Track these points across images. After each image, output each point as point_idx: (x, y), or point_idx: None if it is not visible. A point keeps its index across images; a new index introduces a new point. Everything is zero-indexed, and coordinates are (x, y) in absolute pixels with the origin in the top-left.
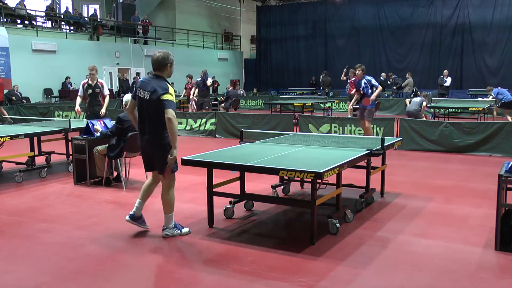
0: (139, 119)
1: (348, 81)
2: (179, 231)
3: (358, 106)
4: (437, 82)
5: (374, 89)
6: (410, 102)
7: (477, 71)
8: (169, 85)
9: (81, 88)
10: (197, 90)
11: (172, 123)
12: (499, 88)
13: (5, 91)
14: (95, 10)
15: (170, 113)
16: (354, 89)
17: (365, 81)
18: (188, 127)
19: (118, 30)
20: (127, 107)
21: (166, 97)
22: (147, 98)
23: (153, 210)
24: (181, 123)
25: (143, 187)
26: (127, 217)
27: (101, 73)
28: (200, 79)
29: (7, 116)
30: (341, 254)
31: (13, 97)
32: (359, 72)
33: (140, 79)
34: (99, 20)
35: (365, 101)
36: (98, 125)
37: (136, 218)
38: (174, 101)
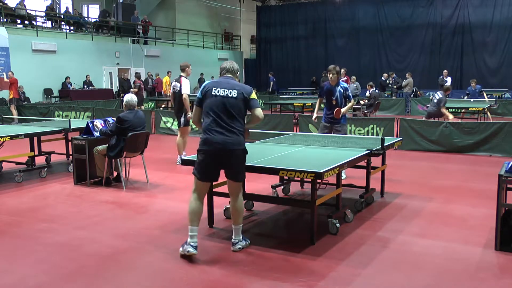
0: (213, 119)
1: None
2: (247, 242)
3: (325, 122)
4: (437, 82)
5: (347, 100)
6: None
7: (477, 71)
8: None
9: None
10: None
11: (260, 121)
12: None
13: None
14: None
15: (260, 111)
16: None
17: (340, 89)
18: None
19: (118, 30)
20: (188, 104)
21: (254, 96)
22: (235, 95)
23: (153, 210)
24: None
25: (193, 210)
26: (195, 251)
27: (101, 73)
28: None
29: (15, 116)
30: (341, 254)
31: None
32: (332, 76)
33: (209, 82)
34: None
35: (337, 112)
36: (98, 123)
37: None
38: None
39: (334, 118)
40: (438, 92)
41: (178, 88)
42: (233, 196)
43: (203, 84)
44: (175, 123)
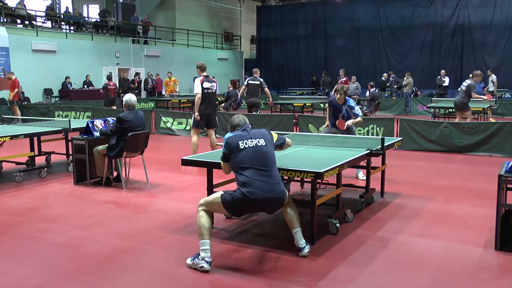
0: (255, 174)
1: (339, 82)
2: (310, 245)
3: (332, 126)
4: (436, 82)
5: (353, 117)
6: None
7: None
8: None
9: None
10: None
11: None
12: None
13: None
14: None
15: (288, 140)
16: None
17: (348, 108)
18: (188, 127)
19: (118, 30)
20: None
21: (276, 136)
22: (265, 144)
23: (153, 210)
24: (181, 123)
25: (203, 225)
26: (208, 267)
27: (101, 73)
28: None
29: (18, 116)
30: (341, 254)
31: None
32: (339, 96)
33: (232, 135)
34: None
35: (340, 123)
36: (98, 123)
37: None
38: None
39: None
40: (467, 80)
41: (215, 89)
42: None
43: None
44: (175, 123)
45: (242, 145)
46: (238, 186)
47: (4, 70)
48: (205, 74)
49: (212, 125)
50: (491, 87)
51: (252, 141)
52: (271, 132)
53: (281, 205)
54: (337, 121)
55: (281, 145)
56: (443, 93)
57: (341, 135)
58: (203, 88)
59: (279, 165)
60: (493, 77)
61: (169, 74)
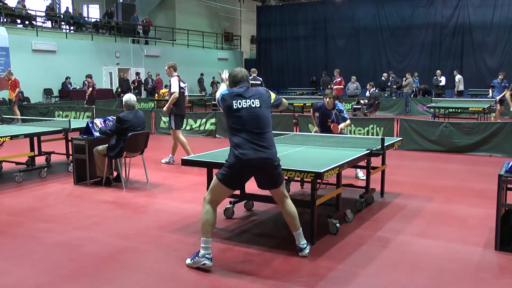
0: (248, 136)
1: (333, 81)
2: (310, 245)
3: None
4: (432, 83)
5: (342, 120)
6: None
7: (477, 71)
8: None
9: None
10: None
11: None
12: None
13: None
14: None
15: (284, 100)
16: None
17: (336, 112)
18: (188, 127)
19: (118, 30)
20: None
21: (273, 95)
22: (259, 105)
23: (153, 210)
24: None
25: (208, 221)
26: (211, 263)
27: (101, 73)
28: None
29: (18, 116)
30: (341, 254)
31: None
32: (329, 100)
33: (228, 92)
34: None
35: (334, 127)
36: (98, 121)
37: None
38: None
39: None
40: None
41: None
42: (280, 202)
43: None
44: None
45: (235, 105)
46: (231, 148)
47: (9, 71)
48: (176, 74)
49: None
50: (461, 87)
51: (246, 102)
52: (269, 91)
53: (273, 168)
54: (332, 125)
55: (277, 105)
56: (441, 93)
57: (340, 135)
58: (179, 88)
59: None
60: (459, 76)
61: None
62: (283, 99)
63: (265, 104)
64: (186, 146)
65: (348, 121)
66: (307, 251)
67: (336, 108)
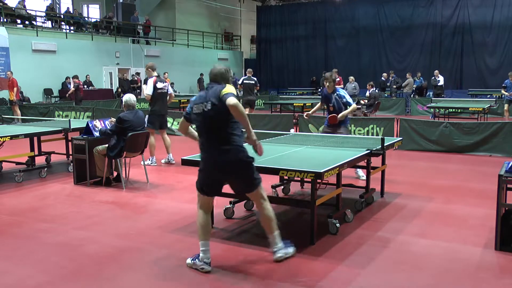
0: (205, 139)
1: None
2: (290, 250)
3: (326, 125)
4: (431, 83)
5: (348, 107)
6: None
7: (477, 71)
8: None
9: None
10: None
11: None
12: None
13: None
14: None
15: (233, 101)
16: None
17: (336, 97)
18: None
19: (118, 30)
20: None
21: (225, 91)
22: (210, 107)
23: (153, 210)
24: None
25: (201, 225)
26: (209, 268)
27: (101, 73)
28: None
29: (18, 116)
30: (341, 254)
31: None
32: (329, 84)
33: (197, 95)
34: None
35: (331, 118)
36: (98, 123)
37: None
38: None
39: (329, 124)
40: None
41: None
42: (257, 204)
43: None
44: (175, 123)
45: (194, 109)
46: None
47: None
48: (156, 74)
49: (165, 126)
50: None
51: (199, 107)
52: (227, 89)
53: (237, 168)
54: (328, 117)
55: (224, 102)
56: (440, 92)
57: (340, 135)
58: (157, 89)
59: (279, 165)
60: (441, 77)
61: (166, 74)
62: (234, 101)
63: (214, 107)
64: (151, 149)
65: (352, 107)
66: (278, 255)
67: (336, 93)
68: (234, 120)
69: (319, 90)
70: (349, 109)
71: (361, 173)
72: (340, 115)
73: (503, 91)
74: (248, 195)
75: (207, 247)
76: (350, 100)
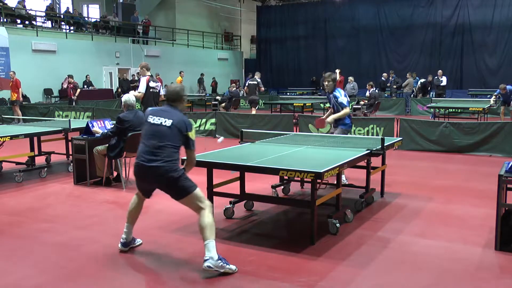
0: (146, 147)
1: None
2: (225, 265)
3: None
4: (433, 82)
5: (341, 108)
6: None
7: (477, 71)
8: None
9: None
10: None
11: (192, 167)
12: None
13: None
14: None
15: (193, 156)
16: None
17: (332, 97)
18: None
19: (118, 30)
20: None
21: (192, 135)
22: (169, 125)
23: (153, 210)
24: None
25: (129, 209)
26: (120, 246)
27: (101, 73)
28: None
29: (19, 117)
30: (341, 254)
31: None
32: (328, 83)
33: (149, 109)
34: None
35: (317, 123)
36: (97, 127)
37: (128, 243)
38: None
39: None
40: None
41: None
42: (195, 211)
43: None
44: None
45: (150, 119)
46: None
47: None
48: (149, 74)
49: None
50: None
51: (159, 119)
52: (192, 130)
53: (165, 182)
54: (315, 121)
55: (186, 146)
56: (442, 93)
57: (339, 135)
58: (149, 87)
59: (279, 165)
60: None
61: (182, 73)
62: (193, 155)
63: (175, 131)
64: None
65: (344, 111)
66: (205, 264)
67: (334, 92)
68: (178, 149)
69: (320, 90)
70: (339, 113)
71: (344, 177)
72: (329, 118)
73: (492, 99)
74: (179, 202)
75: (130, 229)
76: (343, 101)
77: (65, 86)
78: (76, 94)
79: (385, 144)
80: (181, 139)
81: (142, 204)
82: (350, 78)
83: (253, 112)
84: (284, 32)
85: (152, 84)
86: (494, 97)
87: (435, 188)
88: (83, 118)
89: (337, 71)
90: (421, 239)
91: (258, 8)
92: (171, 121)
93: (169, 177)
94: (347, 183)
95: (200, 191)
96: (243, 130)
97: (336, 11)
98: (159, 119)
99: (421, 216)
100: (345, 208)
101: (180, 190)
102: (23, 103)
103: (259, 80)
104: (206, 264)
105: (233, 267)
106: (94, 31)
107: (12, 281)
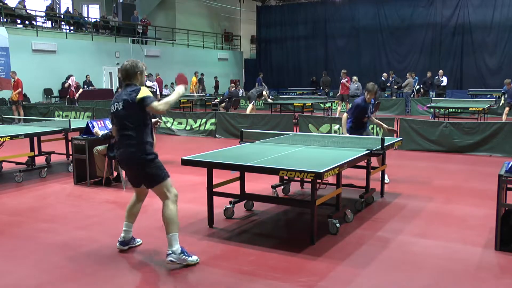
0: (120, 134)
1: (341, 82)
2: (186, 258)
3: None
4: (434, 82)
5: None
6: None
7: (477, 72)
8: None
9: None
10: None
11: (164, 110)
12: None
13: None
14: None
15: (156, 104)
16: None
17: (371, 105)
18: (188, 127)
19: (117, 30)
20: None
21: (143, 94)
22: (121, 107)
23: (153, 210)
24: (181, 123)
25: (128, 207)
26: (118, 245)
27: (101, 73)
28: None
29: (20, 117)
30: (341, 254)
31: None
32: (369, 96)
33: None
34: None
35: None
36: (97, 128)
37: (127, 242)
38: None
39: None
40: None
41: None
42: (161, 200)
43: None
44: (176, 123)
45: (111, 109)
46: None
47: (14, 73)
48: (146, 73)
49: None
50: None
51: (114, 106)
52: (142, 92)
53: (135, 166)
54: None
55: (145, 106)
56: (442, 93)
57: (340, 135)
58: (146, 87)
59: (279, 165)
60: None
61: (197, 74)
62: (155, 104)
63: (128, 105)
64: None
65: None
66: (168, 258)
67: (372, 101)
68: (143, 123)
69: (320, 90)
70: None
71: (386, 176)
72: (384, 125)
73: (503, 99)
74: (153, 191)
75: (129, 228)
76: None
77: (70, 85)
78: (79, 93)
79: (385, 144)
80: (137, 111)
81: (141, 203)
82: (355, 78)
83: (250, 107)
84: (284, 32)
85: (148, 83)
86: (502, 95)
87: (435, 188)
88: (83, 118)
89: (343, 71)
90: (421, 239)
91: (258, 8)
92: (121, 102)
93: (139, 160)
94: (388, 182)
95: (170, 180)
96: (243, 130)
97: (336, 11)
98: (115, 105)
99: (421, 216)
100: (345, 208)
101: (152, 176)
102: (23, 103)
103: (265, 93)
104: (168, 258)
105: (194, 258)
106: (94, 31)
107: (12, 281)
